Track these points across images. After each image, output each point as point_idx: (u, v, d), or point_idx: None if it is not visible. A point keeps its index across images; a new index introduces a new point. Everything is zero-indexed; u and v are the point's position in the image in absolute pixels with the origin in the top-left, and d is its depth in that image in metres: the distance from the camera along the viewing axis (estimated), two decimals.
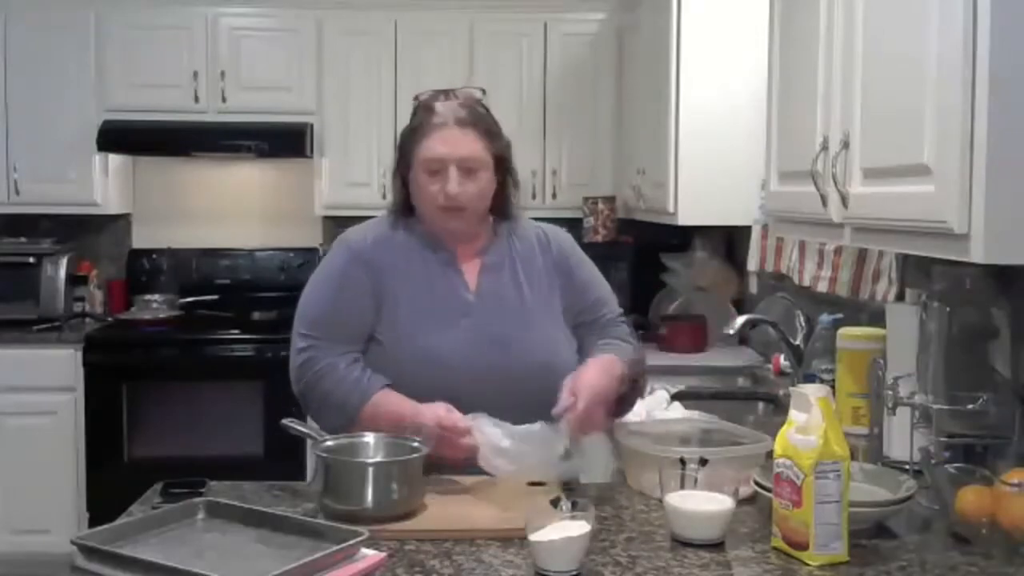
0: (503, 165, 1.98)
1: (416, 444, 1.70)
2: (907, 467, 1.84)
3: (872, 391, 2.02)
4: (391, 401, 1.86)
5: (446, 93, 1.96)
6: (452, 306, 1.94)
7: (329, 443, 1.70)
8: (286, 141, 4.41)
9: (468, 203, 1.92)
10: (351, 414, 1.87)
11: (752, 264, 3.52)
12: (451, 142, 1.89)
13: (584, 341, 2.03)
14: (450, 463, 1.80)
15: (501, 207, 2.03)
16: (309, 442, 1.83)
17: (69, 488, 4.10)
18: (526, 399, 1.82)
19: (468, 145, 1.90)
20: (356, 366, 1.91)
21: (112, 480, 3.95)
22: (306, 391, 1.94)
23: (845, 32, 1.92)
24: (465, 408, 1.81)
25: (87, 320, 4.47)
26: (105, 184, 4.46)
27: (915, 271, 2.40)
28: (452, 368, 1.87)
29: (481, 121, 1.94)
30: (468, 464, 1.79)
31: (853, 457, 1.57)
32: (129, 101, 4.38)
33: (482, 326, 1.92)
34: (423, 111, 1.95)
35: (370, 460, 1.71)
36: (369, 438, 1.75)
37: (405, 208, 1.99)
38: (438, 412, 1.78)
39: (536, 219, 2.15)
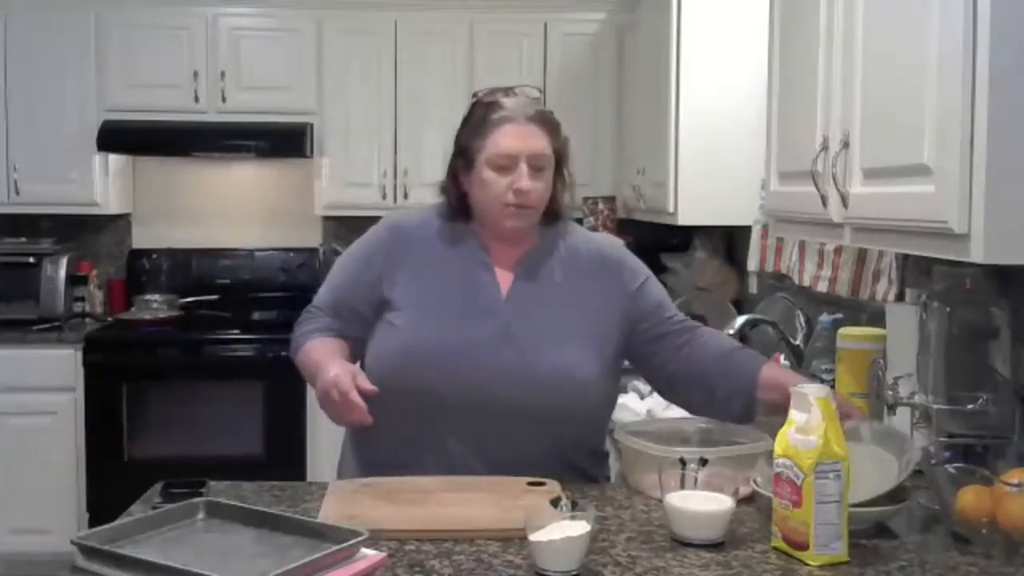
0: (560, 164, 1.92)
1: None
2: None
3: (872, 391, 2.01)
4: (315, 347, 1.88)
5: (506, 90, 1.91)
6: (480, 304, 1.88)
7: None
8: (286, 141, 4.40)
9: (536, 201, 1.87)
10: (294, 355, 1.96)
11: (752, 264, 3.51)
12: (522, 137, 1.84)
13: (663, 345, 1.97)
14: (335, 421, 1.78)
15: (552, 209, 1.94)
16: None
17: (69, 488, 4.11)
18: (523, 411, 1.82)
19: (537, 141, 1.86)
20: (321, 322, 1.95)
21: (112, 480, 3.95)
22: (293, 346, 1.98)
23: (845, 32, 1.91)
24: (451, 404, 1.81)
25: (87, 320, 4.47)
26: (105, 184, 4.46)
27: (915, 271, 2.40)
28: (465, 361, 1.83)
29: (547, 117, 1.89)
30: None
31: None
32: (129, 101, 4.38)
33: (505, 328, 1.86)
34: (484, 107, 1.88)
35: None
36: None
37: (460, 211, 1.93)
38: (340, 372, 1.71)
39: None
